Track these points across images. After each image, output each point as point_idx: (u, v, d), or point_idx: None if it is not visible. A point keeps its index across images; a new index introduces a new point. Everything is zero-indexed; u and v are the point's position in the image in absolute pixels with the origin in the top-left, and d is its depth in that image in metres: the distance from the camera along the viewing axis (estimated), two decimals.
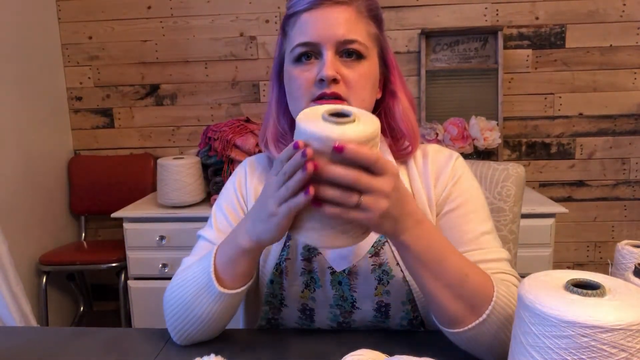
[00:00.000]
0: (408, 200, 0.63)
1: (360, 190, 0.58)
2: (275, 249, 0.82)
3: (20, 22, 2.18)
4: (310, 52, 0.75)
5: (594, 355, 0.44)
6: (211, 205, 1.99)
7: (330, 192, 0.57)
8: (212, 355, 0.65)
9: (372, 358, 0.59)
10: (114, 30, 2.39)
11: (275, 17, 2.33)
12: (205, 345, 0.75)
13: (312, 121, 0.59)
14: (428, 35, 2.24)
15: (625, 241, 0.77)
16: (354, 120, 0.59)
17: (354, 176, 0.57)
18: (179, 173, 1.97)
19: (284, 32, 0.80)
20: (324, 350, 0.73)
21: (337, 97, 0.72)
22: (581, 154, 2.33)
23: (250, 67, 2.38)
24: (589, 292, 0.48)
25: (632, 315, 0.44)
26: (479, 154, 2.12)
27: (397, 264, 0.79)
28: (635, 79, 2.26)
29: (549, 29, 2.25)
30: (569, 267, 2.40)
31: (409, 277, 0.78)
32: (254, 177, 0.87)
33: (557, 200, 2.24)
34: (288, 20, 0.78)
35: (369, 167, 0.58)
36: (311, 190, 0.58)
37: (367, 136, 0.58)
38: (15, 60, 2.14)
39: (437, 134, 2.10)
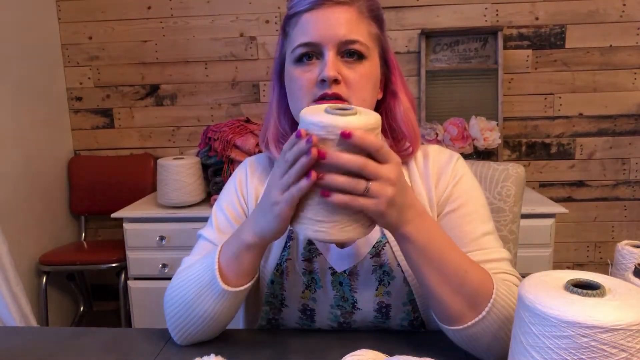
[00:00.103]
0: (409, 191, 0.65)
1: (366, 178, 0.59)
2: (276, 249, 0.82)
3: (20, 22, 2.18)
4: (311, 53, 0.75)
5: (594, 355, 0.44)
6: (211, 206, 1.99)
7: (339, 179, 0.58)
8: (212, 355, 0.65)
9: (372, 358, 0.59)
10: (114, 30, 2.39)
11: (275, 17, 2.33)
12: (205, 345, 0.75)
13: (316, 114, 0.60)
14: (428, 35, 2.24)
15: (625, 241, 0.78)
16: (355, 113, 0.60)
17: (361, 162, 0.58)
18: (179, 173, 1.97)
19: (284, 32, 0.80)
20: (324, 350, 0.73)
21: (338, 98, 0.72)
22: (581, 154, 2.33)
23: (250, 68, 2.38)
24: (589, 292, 0.48)
25: (632, 315, 0.44)
26: (479, 154, 2.12)
27: (398, 264, 0.79)
28: (635, 79, 2.26)
29: (549, 29, 2.25)
30: (569, 267, 2.40)
31: (409, 278, 0.78)
32: (255, 178, 0.87)
33: (557, 200, 2.24)
34: (289, 20, 0.78)
35: (375, 155, 0.59)
36: (313, 174, 0.59)
37: (371, 124, 0.60)
38: (15, 60, 2.14)
39: (437, 134, 2.10)
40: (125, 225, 1.99)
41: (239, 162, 1.88)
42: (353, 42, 0.73)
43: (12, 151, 2.11)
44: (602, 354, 0.44)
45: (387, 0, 2.26)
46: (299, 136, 0.59)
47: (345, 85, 0.73)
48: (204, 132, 2.05)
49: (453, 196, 0.79)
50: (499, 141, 2.08)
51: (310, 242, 0.82)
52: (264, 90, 2.40)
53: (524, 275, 0.56)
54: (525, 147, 2.34)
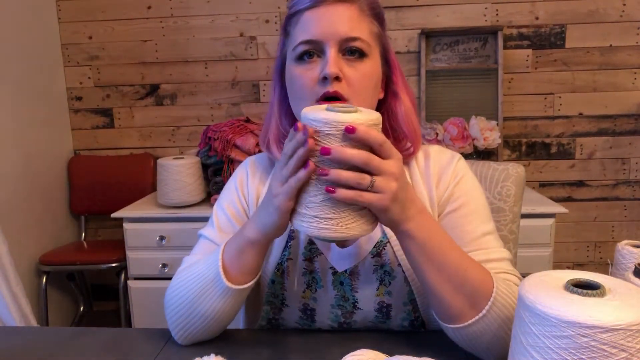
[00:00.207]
0: (410, 188, 0.66)
1: (370, 172, 0.59)
2: (276, 249, 0.82)
3: (20, 22, 2.18)
4: (312, 51, 0.74)
5: (594, 355, 0.44)
6: (211, 205, 1.99)
7: (344, 174, 0.58)
8: (212, 355, 0.65)
9: (372, 358, 0.59)
10: (114, 30, 2.39)
11: (275, 17, 2.33)
12: (205, 345, 0.75)
13: (318, 111, 0.61)
14: (428, 35, 2.24)
15: (625, 241, 0.78)
16: (356, 111, 0.61)
17: (366, 156, 0.59)
18: (179, 173, 1.97)
19: (285, 32, 0.80)
20: (324, 350, 0.73)
21: (339, 97, 0.72)
22: (581, 154, 2.33)
23: (250, 67, 2.38)
24: (589, 292, 0.48)
25: (632, 315, 0.44)
26: (479, 154, 2.12)
27: (399, 264, 0.79)
28: (635, 79, 2.26)
29: (549, 29, 2.25)
30: (569, 267, 2.40)
31: (410, 278, 0.78)
32: (256, 177, 0.87)
33: (557, 200, 2.24)
34: (290, 19, 0.78)
35: (378, 150, 0.60)
36: (311, 164, 0.60)
37: (373, 120, 0.60)
38: (15, 60, 2.14)
39: (437, 134, 2.10)
40: (125, 225, 1.99)
41: (239, 162, 1.88)
42: (354, 39, 0.73)
43: (12, 151, 2.11)
44: (602, 354, 0.44)
45: (387, 0, 2.26)
46: (296, 129, 0.60)
47: (346, 83, 0.73)
48: (204, 132, 2.05)
49: (454, 196, 0.79)
50: (499, 141, 2.08)
51: (311, 242, 0.82)
52: (264, 90, 2.40)
53: (524, 275, 0.56)
54: (525, 147, 2.34)
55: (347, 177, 0.59)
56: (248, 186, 0.87)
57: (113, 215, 2.00)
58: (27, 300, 1.95)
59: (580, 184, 2.35)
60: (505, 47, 2.23)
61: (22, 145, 2.17)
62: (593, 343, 0.44)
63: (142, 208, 2.05)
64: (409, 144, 0.82)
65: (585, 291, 0.48)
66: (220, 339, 0.77)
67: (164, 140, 2.47)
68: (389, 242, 0.80)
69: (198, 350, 0.73)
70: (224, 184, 2.00)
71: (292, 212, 0.64)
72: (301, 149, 0.60)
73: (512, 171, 1.03)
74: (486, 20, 2.26)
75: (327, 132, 0.59)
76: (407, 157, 0.83)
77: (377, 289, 0.80)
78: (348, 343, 0.69)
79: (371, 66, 0.76)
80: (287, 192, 0.62)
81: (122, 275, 2.13)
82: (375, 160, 0.59)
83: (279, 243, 0.82)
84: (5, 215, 2.01)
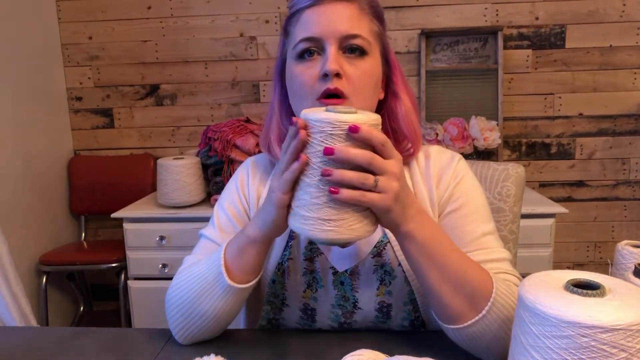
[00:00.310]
0: (409, 189, 0.66)
1: (372, 172, 0.59)
2: (277, 249, 0.83)
3: (20, 22, 2.18)
4: (313, 49, 0.74)
5: (594, 355, 0.44)
6: (211, 206, 1.99)
7: (348, 174, 0.58)
8: (212, 355, 0.65)
9: (372, 358, 0.59)
10: (114, 30, 2.39)
11: (275, 17, 2.33)
12: (205, 345, 0.75)
13: (319, 112, 0.61)
14: (428, 35, 2.24)
15: (625, 241, 0.78)
16: (356, 112, 0.61)
17: (369, 156, 0.59)
18: (179, 173, 1.97)
19: (285, 31, 0.80)
20: (324, 350, 0.73)
21: (340, 95, 0.72)
22: (581, 154, 2.33)
23: (250, 67, 2.38)
24: (589, 292, 0.48)
25: (632, 315, 0.44)
26: (479, 154, 2.12)
27: (399, 264, 0.79)
28: (635, 79, 2.26)
29: (549, 29, 2.25)
30: (569, 267, 2.40)
31: (410, 278, 0.78)
32: (256, 178, 0.87)
33: (557, 200, 2.24)
34: (290, 19, 0.78)
35: (380, 149, 0.60)
36: (303, 157, 0.60)
37: (374, 120, 0.60)
38: (15, 60, 2.14)
39: (437, 134, 2.10)
40: (125, 225, 1.99)
41: (239, 162, 1.88)
42: (355, 36, 0.73)
43: (12, 151, 2.11)
44: (602, 354, 0.44)
45: (387, 0, 2.26)
46: (293, 124, 0.61)
47: (347, 80, 0.73)
48: (204, 132, 2.06)
49: (454, 196, 0.80)
50: (499, 141, 2.08)
51: (311, 242, 0.82)
52: (264, 90, 2.40)
53: (523, 275, 0.56)
54: (525, 147, 2.34)
55: (350, 177, 0.58)
56: (249, 186, 0.87)
57: (113, 215, 2.00)
58: (27, 300, 1.95)
59: (580, 184, 2.35)
60: (505, 47, 2.23)
61: (22, 145, 2.17)
62: (593, 343, 0.44)
63: (142, 208, 2.05)
64: (409, 145, 0.82)
65: (585, 291, 0.48)
66: (220, 339, 0.77)
67: (164, 140, 2.47)
68: (389, 242, 0.80)
69: (198, 350, 0.73)
70: (224, 184, 2.01)
71: (294, 215, 0.63)
72: (294, 141, 0.60)
73: (512, 171, 1.03)
74: (486, 21, 2.26)
75: (329, 132, 0.58)
76: (408, 158, 0.83)
77: (378, 289, 0.80)
78: (348, 343, 0.69)
79: (371, 64, 0.76)
80: (282, 186, 0.63)
81: (122, 275, 2.13)
82: (378, 159, 0.59)
83: (279, 243, 0.82)
84: (5, 215, 2.01)
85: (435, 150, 0.85)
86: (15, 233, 2.05)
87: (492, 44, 2.22)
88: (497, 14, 2.25)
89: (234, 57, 2.38)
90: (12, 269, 1.88)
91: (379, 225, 0.65)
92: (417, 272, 0.67)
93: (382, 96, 0.82)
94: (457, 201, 0.79)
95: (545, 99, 2.30)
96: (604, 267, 2.38)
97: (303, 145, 0.61)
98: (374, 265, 0.79)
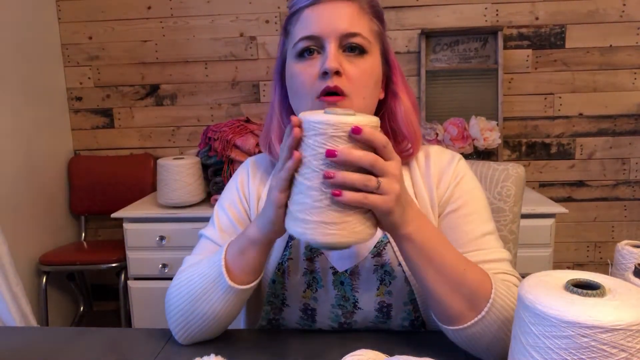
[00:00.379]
0: (407, 190, 0.65)
1: (374, 174, 0.59)
2: (277, 249, 0.82)
3: (20, 22, 2.18)
4: (312, 47, 0.74)
5: (594, 355, 0.44)
6: (211, 206, 1.99)
7: (352, 176, 0.58)
8: (212, 355, 0.65)
9: (372, 358, 0.59)
10: (114, 30, 2.39)
11: (275, 17, 2.33)
12: (205, 345, 0.75)
13: (319, 114, 0.60)
14: (428, 35, 2.24)
15: (625, 241, 0.78)
16: (354, 114, 0.60)
17: (372, 158, 0.58)
18: (179, 173, 1.97)
19: (285, 31, 0.80)
20: (324, 350, 0.73)
21: (339, 92, 0.72)
22: (581, 154, 2.33)
23: (250, 67, 2.38)
24: (589, 292, 0.48)
25: (632, 315, 0.44)
26: (479, 154, 2.12)
27: (399, 264, 0.79)
28: (635, 79, 2.26)
29: (549, 29, 2.25)
30: (569, 267, 2.40)
31: (410, 278, 0.78)
32: (256, 178, 0.87)
33: (557, 200, 2.24)
34: (290, 18, 0.78)
35: (381, 151, 0.59)
36: (296, 154, 0.60)
37: (374, 122, 0.60)
38: (15, 60, 2.14)
39: (437, 134, 2.10)
40: (125, 225, 1.99)
41: (239, 162, 1.88)
42: (354, 35, 0.73)
43: (12, 151, 2.11)
44: (602, 354, 0.44)
45: (387, 0, 2.26)
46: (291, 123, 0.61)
47: (347, 78, 0.73)
48: (204, 132, 2.06)
49: (454, 196, 0.80)
50: (499, 141, 2.08)
51: None
52: (264, 90, 2.40)
53: (523, 275, 0.56)
54: (525, 147, 2.34)
55: (353, 180, 0.58)
56: (249, 186, 0.87)
57: (113, 215, 2.00)
58: (27, 300, 1.95)
59: (580, 184, 2.35)
60: (505, 47, 2.23)
61: (22, 145, 2.17)
62: (593, 343, 0.44)
63: (142, 208, 2.05)
64: (408, 145, 0.82)
65: (585, 291, 0.48)
66: (220, 339, 0.77)
67: (164, 140, 2.47)
68: (389, 242, 0.80)
69: (198, 350, 0.73)
70: (224, 184, 2.01)
71: (294, 219, 0.61)
72: (288, 139, 0.60)
73: (512, 171, 1.03)
74: (486, 21, 2.26)
75: (331, 134, 0.57)
76: (407, 158, 0.83)
77: (378, 289, 0.80)
78: (348, 343, 0.69)
79: (371, 63, 0.76)
80: (278, 185, 0.63)
81: (122, 275, 2.13)
82: (381, 161, 0.59)
83: (279, 243, 0.82)
84: (5, 215, 2.01)
85: (435, 150, 0.85)
86: (15, 233, 2.05)
87: (492, 44, 2.22)
88: (497, 14, 2.25)
89: (234, 57, 2.38)
90: (12, 269, 1.88)
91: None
92: (416, 274, 0.67)
93: (382, 96, 0.82)
94: (457, 201, 0.79)
95: (545, 99, 2.30)
96: (604, 267, 2.38)
97: (297, 143, 0.60)
98: (374, 265, 0.79)
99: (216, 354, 0.66)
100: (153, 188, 2.34)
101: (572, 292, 0.48)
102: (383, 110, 0.83)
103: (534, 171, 2.35)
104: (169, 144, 2.47)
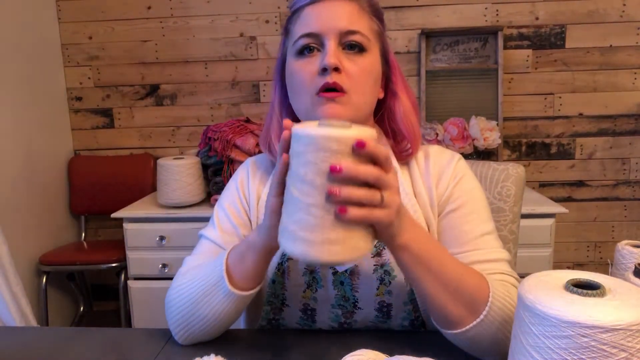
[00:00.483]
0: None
1: (379, 188, 0.57)
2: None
3: (20, 22, 2.18)
4: (312, 45, 0.75)
5: (594, 355, 0.44)
6: (211, 206, 1.99)
7: (358, 193, 0.55)
8: (212, 355, 0.65)
9: (372, 358, 0.59)
10: (114, 30, 2.39)
11: (275, 17, 2.33)
12: (205, 345, 0.75)
13: (316, 127, 0.56)
14: (428, 35, 2.24)
15: (625, 241, 0.78)
16: (350, 126, 0.57)
17: (377, 172, 0.56)
18: (179, 173, 1.97)
19: (286, 30, 0.80)
20: (324, 350, 0.73)
21: (339, 89, 0.72)
22: (581, 154, 2.33)
23: (250, 67, 2.38)
24: (589, 292, 0.48)
25: (632, 315, 0.44)
26: (479, 154, 2.12)
27: None
28: (635, 79, 2.26)
29: (549, 29, 2.25)
30: (569, 267, 2.40)
31: None
32: (256, 178, 0.87)
33: (557, 200, 2.24)
34: (291, 17, 0.79)
35: (383, 164, 0.57)
36: (284, 156, 0.59)
37: (374, 134, 0.58)
38: (15, 60, 2.14)
39: (437, 134, 2.10)
40: (125, 225, 1.99)
41: (239, 162, 1.88)
42: (354, 32, 0.74)
43: (12, 151, 2.11)
44: (602, 354, 0.44)
45: (387, 0, 2.26)
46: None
47: (346, 75, 0.73)
48: (204, 132, 2.06)
49: (453, 196, 0.80)
50: (499, 141, 2.08)
51: None
52: (264, 90, 2.40)
53: (523, 275, 0.56)
54: (525, 147, 2.34)
55: (359, 196, 0.55)
56: (249, 186, 0.87)
57: (113, 215, 2.00)
58: (27, 300, 1.95)
59: (580, 184, 2.35)
60: (505, 47, 2.23)
61: (22, 145, 2.17)
62: (593, 343, 0.44)
63: (142, 208, 2.05)
64: (408, 145, 0.83)
65: (585, 291, 0.48)
66: (220, 339, 0.77)
67: (164, 140, 2.47)
68: None
69: (198, 350, 0.73)
70: (224, 184, 2.01)
71: (293, 239, 0.57)
72: (281, 144, 0.59)
73: (512, 171, 1.03)
74: (486, 21, 2.26)
75: (334, 149, 0.54)
76: (406, 158, 0.83)
77: (378, 289, 0.80)
78: (348, 343, 0.69)
79: (371, 61, 0.76)
80: (272, 191, 0.63)
81: (122, 275, 2.13)
82: (384, 175, 0.57)
83: None
84: (5, 215, 2.01)
85: (434, 150, 0.85)
86: (15, 233, 2.05)
87: (492, 44, 2.22)
88: (497, 14, 2.25)
89: (234, 57, 2.38)
90: (12, 269, 1.88)
91: None
92: (414, 282, 0.66)
93: (381, 96, 0.82)
94: (456, 201, 0.79)
95: (545, 99, 2.30)
96: (604, 267, 2.38)
97: (287, 145, 0.58)
98: (374, 265, 0.79)
99: (216, 354, 0.66)
100: (153, 188, 2.34)
101: (572, 292, 0.48)
102: (382, 110, 0.83)
103: (534, 171, 2.35)
104: (169, 144, 2.47)
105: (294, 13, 0.78)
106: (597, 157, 2.33)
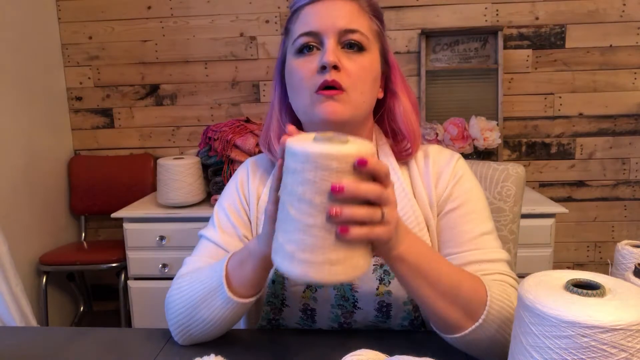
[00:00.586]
0: None
1: (379, 204, 0.56)
2: None
3: (20, 22, 2.18)
4: (312, 44, 0.75)
5: (594, 355, 0.44)
6: (211, 206, 1.99)
7: (360, 212, 0.53)
8: (212, 355, 0.65)
9: (372, 358, 0.59)
10: (114, 30, 2.39)
11: (275, 17, 2.33)
12: (205, 345, 0.75)
13: (313, 143, 0.54)
14: (428, 35, 2.24)
15: (625, 241, 0.78)
16: (347, 140, 0.55)
17: (379, 189, 0.55)
18: (179, 173, 1.97)
19: (286, 30, 0.81)
20: (324, 350, 0.73)
21: (338, 87, 0.72)
22: (581, 154, 2.33)
23: (250, 67, 2.38)
24: (589, 292, 0.48)
25: (632, 315, 0.44)
26: (479, 154, 2.12)
27: None
28: (635, 79, 2.26)
29: (549, 29, 2.25)
30: (569, 267, 2.40)
31: None
32: (256, 178, 0.87)
33: (557, 200, 2.24)
34: (291, 17, 0.79)
35: (383, 180, 0.56)
36: (279, 161, 0.58)
37: (373, 149, 0.56)
38: (15, 60, 2.14)
39: (437, 134, 2.10)
40: (125, 225, 1.99)
41: (239, 162, 1.88)
42: (353, 31, 0.74)
43: (12, 151, 2.11)
44: (602, 354, 0.44)
45: (387, 0, 2.26)
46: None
47: (345, 73, 0.73)
48: (204, 132, 2.05)
49: (453, 196, 0.79)
50: (499, 141, 2.08)
51: None
52: (264, 90, 2.40)
53: (523, 276, 0.56)
54: (525, 147, 2.34)
55: (362, 215, 0.53)
56: (249, 187, 0.87)
57: (113, 215, 2.00)
58: (27, 300, 1.95)
59: (580, 184, 2.35)
60: (505, 47, 2.23)
61: (22, 145, 2.17)
62: (593, 343, 0.44)
63: (142, 208, 2.05)
64: (407, 145, 0.83)
65: (585, 291, 0.48)
66: (220, 339, 0.77)
67: (164, 140, 2.47)
68: None
69: (198, 350, 0.73)
70: (224, 184, 2.01)
71: (292, 261, 0.54)
72: (279, 148, 0.58)
73: (512, 171, 1.03)
74: (486, 20, 2.26)
75: (335, 167, 0.52)
76: (406, 157, 0.83)
77: (377, 289, 0.79)
78: (348, 343, 0.69)
79: (370, 60, 0.76)
80: (269, 198, 0.63)
81: (122, 275, 2.13)
82: (385, 191, 0.55)
83: None
84: (5, 215, 2.01)
85: (434, 149, 0.85)
86: (15, 233, 2.05)
87: (492, 44, 2.22)
88: (497, 14, 2.25)
89: (234, 57, 2.38)
90: (12, 269, 1.88)
91: None
92: (412, 291, 0.66)
93: (381, 95, 0.82)
94: (455, 200, 0.79)
95: (545, 98, 2.30)
96: (604, 267, 2.38)
97: (283, 150, 0.57)
98: (374, 265, 0.79)
99: (216, 354, 0.66)
100: (153, 188, 2.34)
101: (572, 292, 0.48)
102: (382, 109, 0.83)
103: (534, 171, 2.35)
104: (169, 144, 2.47)
105: (294, 13, 0.78)
106: (597, 157, 2.33)
